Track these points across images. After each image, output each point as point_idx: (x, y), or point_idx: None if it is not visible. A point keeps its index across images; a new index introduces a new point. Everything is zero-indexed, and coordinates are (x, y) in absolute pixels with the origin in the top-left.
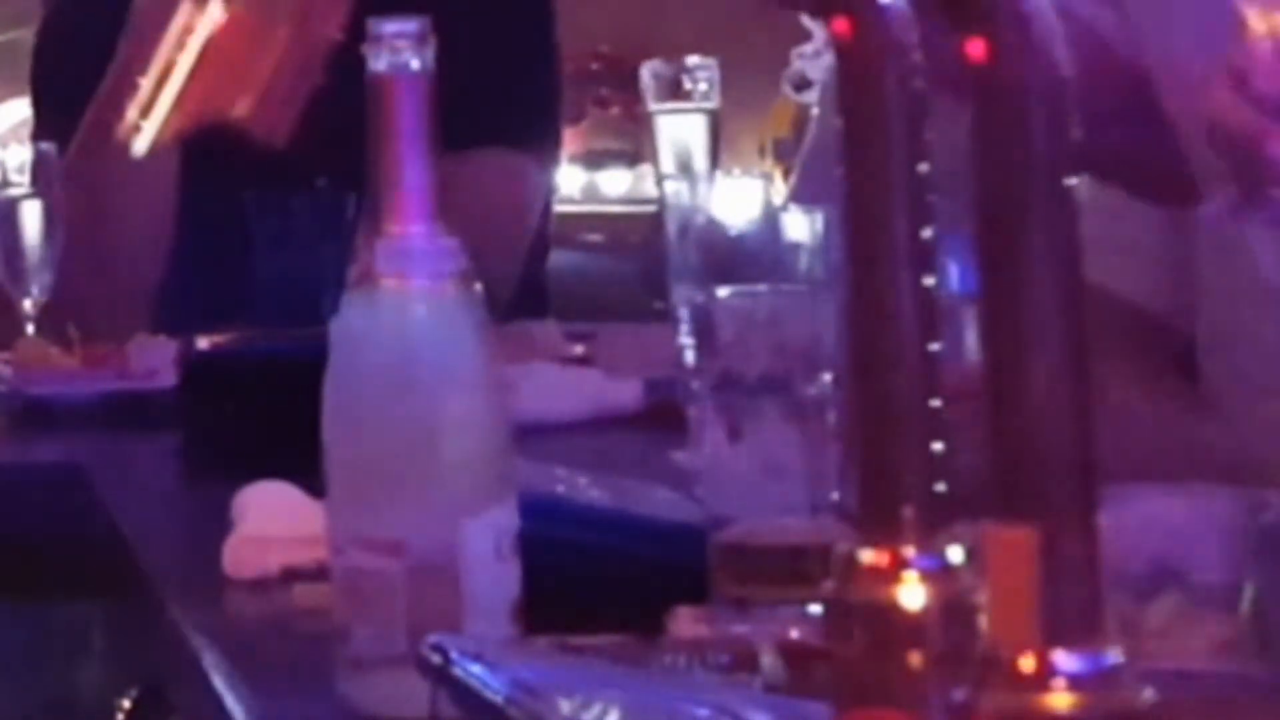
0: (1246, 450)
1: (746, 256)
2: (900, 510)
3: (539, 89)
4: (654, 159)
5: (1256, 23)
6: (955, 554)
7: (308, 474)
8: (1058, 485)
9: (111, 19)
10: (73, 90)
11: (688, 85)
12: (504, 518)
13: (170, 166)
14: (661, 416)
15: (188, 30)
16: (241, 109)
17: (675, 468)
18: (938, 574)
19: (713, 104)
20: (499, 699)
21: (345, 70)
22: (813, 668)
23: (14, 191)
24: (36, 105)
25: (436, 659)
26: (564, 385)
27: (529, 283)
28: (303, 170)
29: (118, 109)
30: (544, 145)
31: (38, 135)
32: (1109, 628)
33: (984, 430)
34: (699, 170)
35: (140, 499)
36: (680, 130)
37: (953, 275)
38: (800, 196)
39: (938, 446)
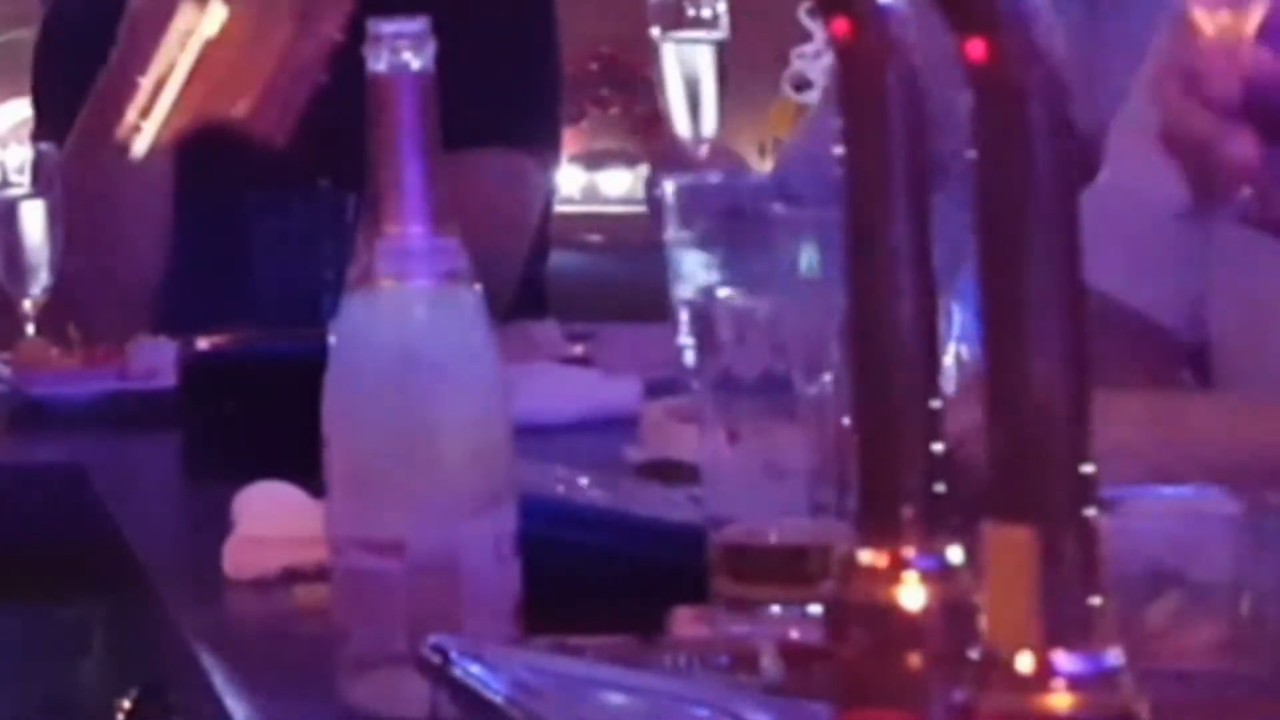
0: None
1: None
2: (900, 510)
3: (539, 89)
4: (659, 90)
5: (1204, 23)
6: (955, 554)
7: (308, 474)
8: (1057, 485)
9: (111, 19)
10: (73, 90)
11: (692, 12)
12: (504, 518)
13: (165, 167)
14: None
15: (188, 31)
16: (241, 109)
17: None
18: (937, 574)
19: (721, 34)
20: (499, 699)
21: (345, 70)
22: (813, 668)
23: (14, 191)
24: (36, 105)
25: (436, 659)
26: (564, 385)
27: (529, 283)
28: (303, 170)
29: (115, 109)
30: (544, 145)
31: (38, 135)
32: (1109, 628)
33: (984, 430)
34: (706, 104)
35: (140, 499)
36: (687, 60)
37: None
38: (784, 189)
39: (938, 446)
